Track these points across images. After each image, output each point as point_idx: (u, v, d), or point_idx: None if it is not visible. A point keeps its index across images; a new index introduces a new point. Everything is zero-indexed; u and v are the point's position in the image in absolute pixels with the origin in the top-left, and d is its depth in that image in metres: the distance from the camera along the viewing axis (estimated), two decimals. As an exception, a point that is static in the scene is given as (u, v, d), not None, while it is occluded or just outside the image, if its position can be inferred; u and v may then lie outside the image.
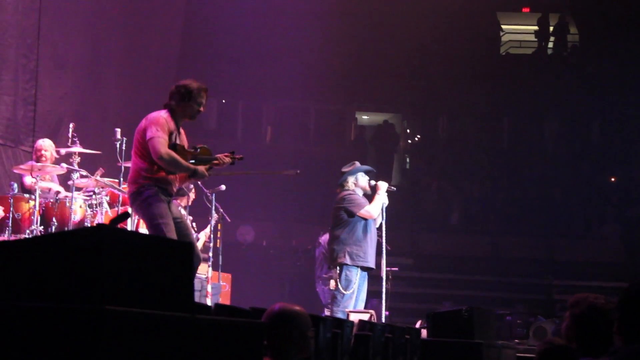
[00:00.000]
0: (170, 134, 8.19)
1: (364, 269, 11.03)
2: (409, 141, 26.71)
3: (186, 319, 3.58)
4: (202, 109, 8.40)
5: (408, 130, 26.80)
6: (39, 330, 3.17)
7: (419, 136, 26.68)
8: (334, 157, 21.80)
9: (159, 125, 8.12)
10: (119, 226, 5.30)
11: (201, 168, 8.33)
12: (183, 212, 12.50)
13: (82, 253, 3.27)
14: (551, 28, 26.30)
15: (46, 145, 12.15)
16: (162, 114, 8.23)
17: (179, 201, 13.16)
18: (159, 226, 7.99)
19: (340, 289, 10.86)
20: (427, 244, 22.65)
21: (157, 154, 8.03)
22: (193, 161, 8.33)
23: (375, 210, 11.10)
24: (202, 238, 13.81)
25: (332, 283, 11.68)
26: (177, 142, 8.31)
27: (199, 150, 8.43)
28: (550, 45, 26.47)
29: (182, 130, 8.51)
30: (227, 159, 8.56)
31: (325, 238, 14.31)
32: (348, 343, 6.40)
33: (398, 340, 7.68)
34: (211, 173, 8.55)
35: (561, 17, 26.10)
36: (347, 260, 10.89)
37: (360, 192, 11.24)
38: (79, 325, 3.09)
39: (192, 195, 13.49)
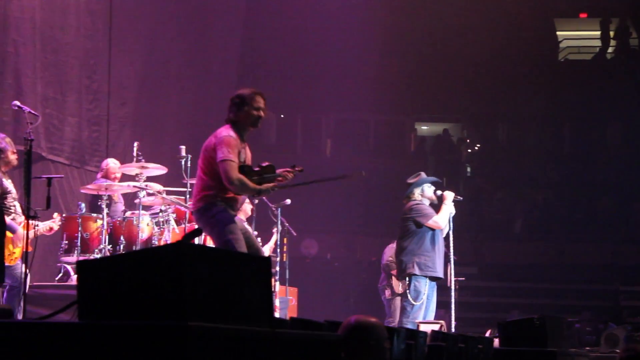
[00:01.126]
0: (238, 154, 8.11)
1: (432, 279, 10.99)
2: (469, 150, 26.59)
3: (267, 333, 3.59)
4: (261, 113, 8.24)
5: (468, 140, 26.69)
6: (124, 348, 3.19)
7: (479, 145, 26.56)
8: (395, 169, 21.78)
9: (230, 147, 8.01)
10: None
11: (266, 186, 8.23)
12: (247, 226, 12.53)
13: (163, 270, 3.29)
14: (612, 33, 26.05)
15: (116, 166, 12.27)
16: (231, 134, 8.10)
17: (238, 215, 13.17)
18: (229, 242, 7.92)
19: (410, 299, 10.82)
20: (491, 252, 22.55)
21: (228, 179, 7.95)
22: (257, 178, 8.23)
23: (443, 220, 11.06)
24: (266, 252, 13.84)
25: (387, 292, 11.64)
26: (245, 158, 8.26)
27: (263, 168, 8.38)
28: (610, 50, 26.21)
29: (247, 144, 8.41)
30: (290, 175, 8.48)
31: (387, 250, 14.29)
32: (422, 354, 6.38)
33: (471, 350, 7.64)
34: (275, 189, 8.44)
35: (621, 20, 25.85)
36: (416, 271, 10.84)
37: (426, 203, 11.18)
38: (163, 342, 3.11)
39: (248, 210, 13.46)
